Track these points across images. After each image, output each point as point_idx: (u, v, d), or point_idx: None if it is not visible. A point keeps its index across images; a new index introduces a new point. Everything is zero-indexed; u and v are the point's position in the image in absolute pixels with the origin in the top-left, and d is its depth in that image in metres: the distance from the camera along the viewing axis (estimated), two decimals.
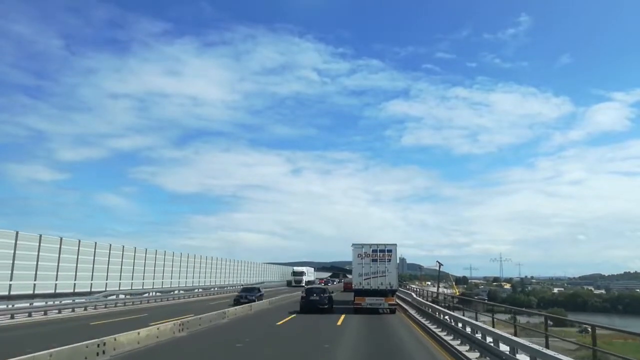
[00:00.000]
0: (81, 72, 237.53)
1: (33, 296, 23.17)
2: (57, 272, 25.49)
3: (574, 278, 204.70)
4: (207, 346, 13.40)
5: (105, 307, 26.56)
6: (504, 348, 10.33)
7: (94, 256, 29.15)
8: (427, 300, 28.77)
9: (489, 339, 11.54)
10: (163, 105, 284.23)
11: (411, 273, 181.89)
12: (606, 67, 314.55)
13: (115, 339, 10.88)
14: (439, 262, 62.55)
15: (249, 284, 49.29)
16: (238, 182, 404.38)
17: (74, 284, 26.90)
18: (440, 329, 17.16)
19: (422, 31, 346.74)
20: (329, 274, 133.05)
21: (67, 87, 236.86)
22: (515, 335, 11.16)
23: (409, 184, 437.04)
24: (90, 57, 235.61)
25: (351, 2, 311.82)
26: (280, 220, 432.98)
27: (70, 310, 23.50)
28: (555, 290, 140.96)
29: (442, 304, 25.02)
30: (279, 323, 19.63)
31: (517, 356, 9.53)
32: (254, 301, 28.49)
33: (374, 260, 25.14)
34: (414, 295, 31.23)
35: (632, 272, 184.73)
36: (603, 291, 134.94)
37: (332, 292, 29.54)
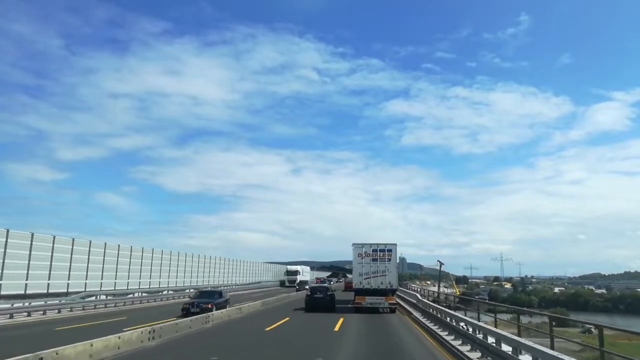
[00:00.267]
0: (81, 72, 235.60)
1: None
2: (28, 270, 23.41)
3: (574, 278, 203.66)
4: None
5: (83, 310, 24.41)
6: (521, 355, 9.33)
7: (71, 254, 26.98)
8: (429, 300, 27.13)
9: (505, 348, 10.25)
10: (163, 105, 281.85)
11: (411, 272, 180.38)
12: (606, 67, 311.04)
13: (56, 354, 8.78)
14: (440, 262, 60.62)
15: (206, 287, 39.63)
16: (238, 182, 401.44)
17: (48, 283, 24.84)
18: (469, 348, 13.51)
19: (422, 31, 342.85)
20: (329, 273, 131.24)
21: (67, 86, 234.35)
22: (519, 335, 10.97)
23: (409, 184, 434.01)
24: (90, 56, 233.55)
25: (351, 2, 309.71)
26: (280, 219, 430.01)
27: (42, 312, 21.50)
28: (556, 289, 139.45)
29: (444, 304, 24.82)
30: (267, 329, 17.57)
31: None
32: (211, 310, 20.83)
33: (374, 260, 25.21)
34: (419, 297, 28.64)
35: (632, 271, 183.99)
36: (604, 291, 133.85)
37: (335, 291, 30.92)
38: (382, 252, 25.23)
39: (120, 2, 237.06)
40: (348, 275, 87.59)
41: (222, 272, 54.08)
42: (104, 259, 30.15)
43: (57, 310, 22.52)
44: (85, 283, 28.07)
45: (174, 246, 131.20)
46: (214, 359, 10.93)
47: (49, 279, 24.92)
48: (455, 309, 20.88)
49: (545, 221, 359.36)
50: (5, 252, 21.90)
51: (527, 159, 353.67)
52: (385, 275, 24.99)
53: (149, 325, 14.23)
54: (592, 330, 42.93)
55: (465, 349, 12.95)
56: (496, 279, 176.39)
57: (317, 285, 35.92)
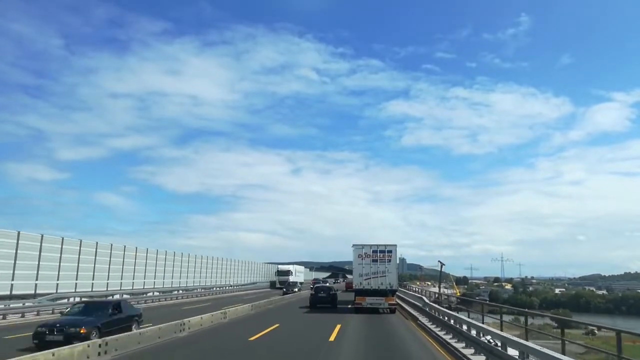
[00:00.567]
0: (81, 72, 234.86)
1: None
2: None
3: (574, 278, 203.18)
4: None
5: (52, 313, 21.86)
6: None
7: (38, 252, 25.02)
8: (431, 301, 26.43)
9: (512, 352, 9.91)
10: (163, 105, 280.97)
11: (411, 273, 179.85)
12: (606, 68, 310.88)
13: None
14: (440, 262, 60.08)
15: (95, 296, 27.29)
16: (238, 182, 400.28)
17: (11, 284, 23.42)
18: None
19: (422, 31, 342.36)
20: (328, 273, 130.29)
21: (67, 86, 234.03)
22: (526, 338, 10.76)
23: (408, 184, 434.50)
24: (90, 56, 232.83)
25: (351, 2, 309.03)
26: (280, 220, 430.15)
27: (20, 315, 20.81)
28: (557, 290, 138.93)
29: (445, 305, 24.73)
30: (251, 338, 15.48)
31: None
32: (86, 336, 12.71)
33: (374, 261, 25.34)
34: (426, 300, 26.74)
35: (632, 272, 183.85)
36: (605, 292, 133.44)
37: (337, 291, 33.45)
38: (382, 253, 25.35)
39: (120, 2, 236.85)
40: (348, 275, 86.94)
41: (220, 272, 53.49)
42: (60, 256, 27.10)
43: (36, 313, 21.82)
44: (57, 284, 26.36)
45: (174, 246, 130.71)
46: None
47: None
48: (456, 310, 20.55)
49: (545, 222, 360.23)
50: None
51: (527, 160, 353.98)
52: (385, 276, 25.08)
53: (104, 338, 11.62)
54: (595, 332, 42.46)
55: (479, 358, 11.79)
56: (496, 279, 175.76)
57: (320, 285, 37.12)
